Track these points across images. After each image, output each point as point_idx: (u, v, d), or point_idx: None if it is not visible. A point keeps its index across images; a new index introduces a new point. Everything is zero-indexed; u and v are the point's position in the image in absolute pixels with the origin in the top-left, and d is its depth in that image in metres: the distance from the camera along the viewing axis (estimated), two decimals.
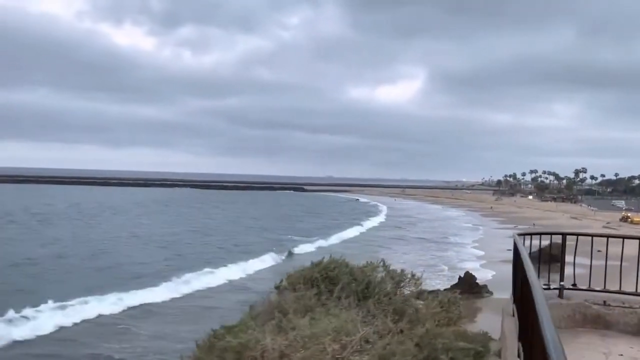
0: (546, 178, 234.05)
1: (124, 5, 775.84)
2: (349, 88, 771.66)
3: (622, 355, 5.92)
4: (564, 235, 7.80)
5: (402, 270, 10.16)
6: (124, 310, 27.25)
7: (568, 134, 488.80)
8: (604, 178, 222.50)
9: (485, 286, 31.83)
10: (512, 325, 5.97)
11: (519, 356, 4.67)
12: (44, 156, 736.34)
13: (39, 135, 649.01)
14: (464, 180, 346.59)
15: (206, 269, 36.98)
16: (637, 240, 7.29)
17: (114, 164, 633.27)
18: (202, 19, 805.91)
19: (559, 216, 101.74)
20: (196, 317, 25.26)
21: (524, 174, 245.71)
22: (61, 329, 24.20)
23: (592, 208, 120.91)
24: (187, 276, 34.29)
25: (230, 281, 35.37)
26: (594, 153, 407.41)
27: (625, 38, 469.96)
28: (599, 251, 7.47)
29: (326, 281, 8.98)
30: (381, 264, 10.04)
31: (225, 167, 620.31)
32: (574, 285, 7.51)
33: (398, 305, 8.55)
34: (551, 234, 8.61)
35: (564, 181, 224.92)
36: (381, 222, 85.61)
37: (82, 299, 27.53)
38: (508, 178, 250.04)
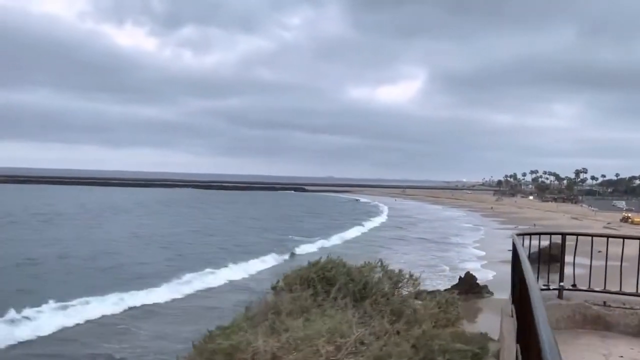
0: (547, 178, 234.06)
1: (126, 5, 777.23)
2: (350, 88, 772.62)
3: (622, 356, 5.88)
4: (564, 235, 7.76)
5: (400, 271, 10.08)
6: (125, 311, 27.24)
7: (568, 134, 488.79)
8: (605, 178, 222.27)
9: (485, 286, 31.80)
10: (510, 326, 5.94)
11: (517, 358, 4.65)
12: (44, 156, 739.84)
13: (40, 136, 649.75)
14: (464, 180, 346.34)
15: (207, 270, 36.89)
16: (638, 241, 7.27)
17: (114, 164, 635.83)
18: (203, 20, 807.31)
19: (560, 217, 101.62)
20: (197, 317, 25.21)
21: (524, 175, 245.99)
22: (62, 329, 24.19)
23: (592, 208, 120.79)
24: (188, 276, 34.24)
25: (232, 281, 35.29)
26: (594, 153, 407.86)
27: (625, 38, 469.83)
28: (599, 252, 7.43)
29: (323, 282, 8.90)
30: (379, 264, 10.00)
31: (225, 167, 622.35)
32: (574, 285, 7.47)
33: (395, 306, 8.48)
34: (550, 234, 8.59)
35: (565, 181, 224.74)
36: (382, 223, 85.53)
37: (83, 299, 27.50)
38: (508, 178, 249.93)
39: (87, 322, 25.27)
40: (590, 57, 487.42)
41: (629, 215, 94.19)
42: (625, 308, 6.86)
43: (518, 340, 4.90)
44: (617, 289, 7.30)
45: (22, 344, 22.38)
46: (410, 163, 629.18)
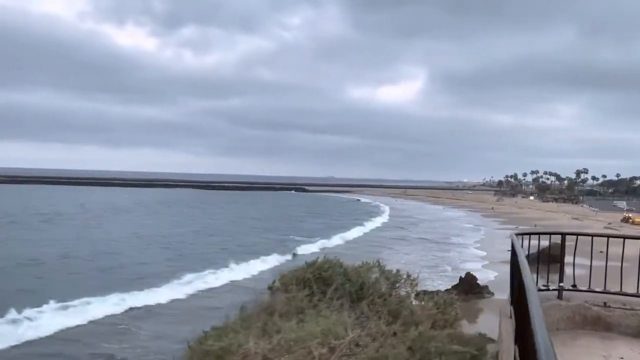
0: (547, 179, 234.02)
1: (126, 6, 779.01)
2: (350, 88, 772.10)
3: (622, 358, 5.81)
4: (563, 235, 7.70)
5: (398, 271, 9.99)
6: (126, 311, 27.25)
7: (569, 134, 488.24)
8: (606, 179, 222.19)
9: (486, 287, 31.79)
10: (509, 328, 5.90)
11: (515, 359, 4.62)
12: (44, 156, 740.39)
13: (40, 136, 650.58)
14: (465, 180, 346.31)
15: (209, 270, 36.92)
16: (638, 241, 7.23)
17: (114, 164, 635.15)
18: (203, 20, 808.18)
19: (560, 217, 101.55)
20: (198, 317, 25.13)
21: (525, 175, 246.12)
22: (63, 329, 24.19)
23: (593, 209, 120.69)
24: (190, 277, 34.27)
25: (233, 282, 35.23)
26: (595, 153, 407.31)
27: (625, 38, 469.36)
28: (601, 252, 7.39)
29: (319, 282, 8.81)
30: (376, 264, 9.93)
31: (226, 167, 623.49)
32: (574, 286, 7.40)
33: (393, 306, 8.39)
34: (550, 233, 8.54)
35: (565, 182, 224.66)
36: (383, 223, 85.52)
37: (84, 299, 27.54)
38: (509, 179, 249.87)
39: (88, 322, 25.28)
40: (590, 57, 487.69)
41: (630, 215, 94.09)
42: (626, 309, 6.80)
43: (516, 342, 4.87)
44: (617, 289, 7.24)
45: (23, 344, 22.40)
46: (411, 163, 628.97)
